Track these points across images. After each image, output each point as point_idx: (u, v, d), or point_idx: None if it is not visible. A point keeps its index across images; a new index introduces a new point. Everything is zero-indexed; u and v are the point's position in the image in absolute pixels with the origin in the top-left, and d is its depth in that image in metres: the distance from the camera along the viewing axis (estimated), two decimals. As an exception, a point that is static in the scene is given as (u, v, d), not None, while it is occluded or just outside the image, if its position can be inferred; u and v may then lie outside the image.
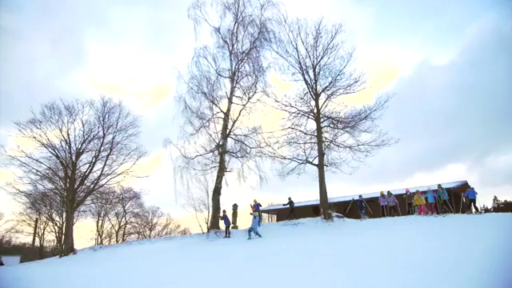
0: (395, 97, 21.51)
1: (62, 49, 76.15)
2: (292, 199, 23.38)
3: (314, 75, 22.72)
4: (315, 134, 22.26)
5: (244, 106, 24.34)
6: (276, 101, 23.07)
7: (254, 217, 19.80)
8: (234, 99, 24.51)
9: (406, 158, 65.89)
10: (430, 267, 7.70)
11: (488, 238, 10.31)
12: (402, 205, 21.01)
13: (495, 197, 39.29)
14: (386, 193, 21.36)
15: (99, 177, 27.84)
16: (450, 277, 6.63)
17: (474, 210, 18.01)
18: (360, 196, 21.43)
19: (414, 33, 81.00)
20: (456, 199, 20.62)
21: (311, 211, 25.72)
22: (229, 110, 24.27)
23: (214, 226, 22.14)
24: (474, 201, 17.75)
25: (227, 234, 20.93)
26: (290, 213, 22.82)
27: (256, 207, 21.67)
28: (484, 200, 56.96)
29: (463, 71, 67.39)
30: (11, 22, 79.44)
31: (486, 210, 36.18)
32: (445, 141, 64.91)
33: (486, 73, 54.80)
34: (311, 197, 26.88)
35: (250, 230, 18.78)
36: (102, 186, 29.08)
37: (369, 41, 78.51)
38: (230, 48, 24.93)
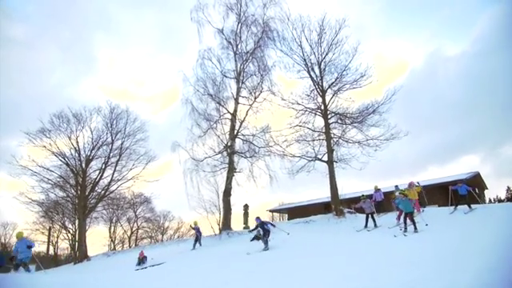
0: (407, 89, 21.53)
1: (71, 57, 76.90)
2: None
3: (320, 72, 22.59)
4: (323, 131, 22.13)
5: (251, 105, 24.33)
6: (282, 99, 23.00)
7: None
8: (241, 99, 24.53)
9: (419, 151, 65.07)
10: (443, 260, 7.59)
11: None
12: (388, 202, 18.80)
13: (508, 187, 38.64)
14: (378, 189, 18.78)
15: (109, 183, 28.18)
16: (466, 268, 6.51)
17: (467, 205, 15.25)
18: (258, 219, 15.25)
19: (425, 24, 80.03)
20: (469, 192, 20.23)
21: (323, 208, 25.59)
22: (236, 110, 24.26)
23: (225, 226, 22.13)
24: (464, 197, 15.42)
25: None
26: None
27: (196, 229, 20.12)
28: (497, 191, 56.16)
29: (476, 60, 66.32)
30: (22, 32, 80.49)
31: (500, 201, 35.69)
32: (458, 132, 64.00)
33: (498, 61, 53.79)
34: (323, 194, 26.69)
35: None
36: (113, 191, 29.47)
37: (380, 35, 77.68)
38: (234, 48, 24.92)
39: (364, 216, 16.48)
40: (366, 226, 15.94)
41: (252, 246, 14.57)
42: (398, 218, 15.06)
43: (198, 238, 19.64)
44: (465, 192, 15.28)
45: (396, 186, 19.06)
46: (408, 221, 13.22)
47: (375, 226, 15.68)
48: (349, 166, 21.60)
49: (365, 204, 16.41)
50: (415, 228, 12.68)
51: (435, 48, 77.62)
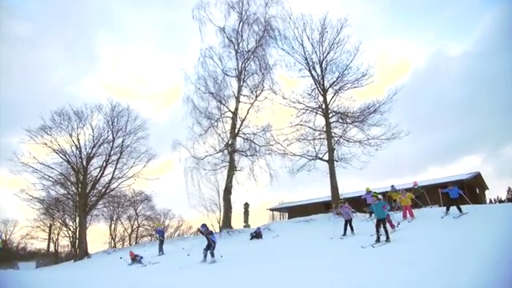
0: (409, 89, 21.44)
1: (74, 54, 76.63)
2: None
3: (321, 71, 22.67)
4: (324, 130, 22.21)
5: (252, 104, 24.36)
6: (284, 98, 23.13)
7: None
8: (242, 98, 24.56)
9: (420, 151, 64.80)
10: (442, 259, 7.59)
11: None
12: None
13: (509, 188, 38.56)
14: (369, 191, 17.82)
15: (110, 180, 28.15)
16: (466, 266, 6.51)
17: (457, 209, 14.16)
18: (203, 226, 13.44)
19: (428, 23, 79.33)
20: (469, 192, 20.12)
21: (323, 207, 25.58)
22: (237, 109, 24.29)
23: (226, 225, 22.15)
24: (455, 200, 14.38)
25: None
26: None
27: (159, 232, 19.29)
28: (499, 191, 56.06)
29: (478, 61, 65.75)
30: (25, 30, 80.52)
31: (500, 201, 35.63)
32: (459, 132, 63.69)
33: (500, 62, 53.42)
34: (323, 193, 26.71)
35: None
36: (114, 189, 29.46)
37: (383, 34, 77.17)
38: (236, 47, 24.91)
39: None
40: (344, 233, 14.15)
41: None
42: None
43: (161, 241, 18.41)
44: (456, 195, 14.40)
45: (392, 186, 18.61)
46: (389, 229, 11.65)
47: (352, 233, 14.08)
48: (349, 165, 21.75)
49: (342, 209, 14.75)
50: (387, 237, 11.01)
51: (438, 48, 77.25)
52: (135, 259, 16.24)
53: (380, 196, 14.50)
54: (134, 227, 43.56)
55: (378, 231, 11.26)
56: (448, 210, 14.63)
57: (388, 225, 12.37)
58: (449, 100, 61.75)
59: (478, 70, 61.49)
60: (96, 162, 28.42)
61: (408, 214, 15.42)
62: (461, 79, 65.80)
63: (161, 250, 18.14)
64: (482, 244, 8.30)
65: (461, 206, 14.26)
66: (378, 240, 11.11)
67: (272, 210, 35.73)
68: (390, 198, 17.39)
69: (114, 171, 28.12)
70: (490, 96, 58.84)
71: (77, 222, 31.42)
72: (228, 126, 24.31)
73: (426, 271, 6.72)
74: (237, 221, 24.24)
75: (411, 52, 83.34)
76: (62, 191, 29.39)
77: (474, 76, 61.66)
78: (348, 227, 14.26)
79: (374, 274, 7.34)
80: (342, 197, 20.87)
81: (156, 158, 29.10)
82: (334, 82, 22.49)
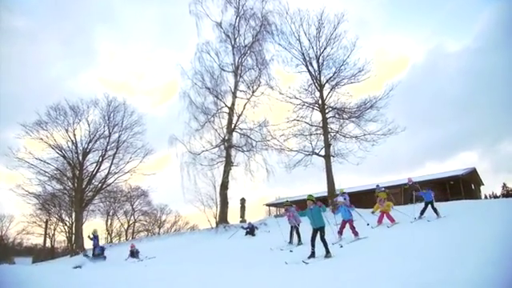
0: (407, 85, 21.47)
1: (72, 50, 75.63)
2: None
3: (318, 66, 22.65)
4: (321, 125, 22.22)
5: (248, 99, 24.33)
6: (280, 93, 23.09)
7: None
8: (238, 93, 24.52)
9: (417, 147, 64.88)
10: (439, 254, 7.61)
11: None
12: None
13: (504, 184, 38.83)
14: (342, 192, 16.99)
15: (106, 176, 28.18)
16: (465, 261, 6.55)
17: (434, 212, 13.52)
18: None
19: (427, 19, 78.63)
20: (465, 188, 20.18)
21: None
22: (233, 104, 24.25)
23: (222, 220, 22.19)
24: (431, 203, 13.75)
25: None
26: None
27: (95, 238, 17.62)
28: (495, 187, 56.41)
29: (476, 57, 65.49)
30: (24, 25, 79.67)
31: (495, 197, 35.85)
32: (457, 128, 63.75)
33: (499, 58, 53.34)
34: (320, 189, 26.78)
35: None
36: (110, 184, 29.48)
37: (381, 30, 76.72)
38: (233, 42, 24.84)
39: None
40: (290, 241, 12.71)
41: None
42: (340, 232, 12.04)
43: (94, 249, 17.16)
44: (430, 198, 13.79)
45: (377, 186, 18.12)
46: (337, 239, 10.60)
47: (299, 242, 12.29)
48: (346, 160, 21.78)
49: (288, 213, 12.61)
50: (327, 251, 8.87)
51: (436, 44, 76.95)
52: (133, 253, 16.21)
53: (342, 199, 14.03)
54: (131, 222, 43.62)
55: (313, 244, 9.07)
56: (422, 213, 13.91)
57: (351, 232, 11.59)
58: (447, 96, 61.76)
59: (477, 66, 61.49)
60: (92, 157, 28.50)
61: (388, 220, 14.06)
62: (459, 75, 65.77)
63: (94, 257, 16.82)
64: (468, 243, 8.34)
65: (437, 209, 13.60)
66: (312, 255, 9.01)
67: (268, 205, 35.77)
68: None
69: (110, 166, 28.19)
70: (488, 92, 58.85)
71: (73, 217, 31.41)
72: (224, 122, 24.33)
73: (423, 265, 6.74)
74: (233, 216, 24.31)
75: (410, 48, 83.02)
76: (58, 186, 29.40)
77: (473, 72, 61.64)
78: (294, 234, 12.64)
79: (371, 266, 7.37)
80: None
81: (153, 153, 29.19)
82: (330, 78, 22.51)
